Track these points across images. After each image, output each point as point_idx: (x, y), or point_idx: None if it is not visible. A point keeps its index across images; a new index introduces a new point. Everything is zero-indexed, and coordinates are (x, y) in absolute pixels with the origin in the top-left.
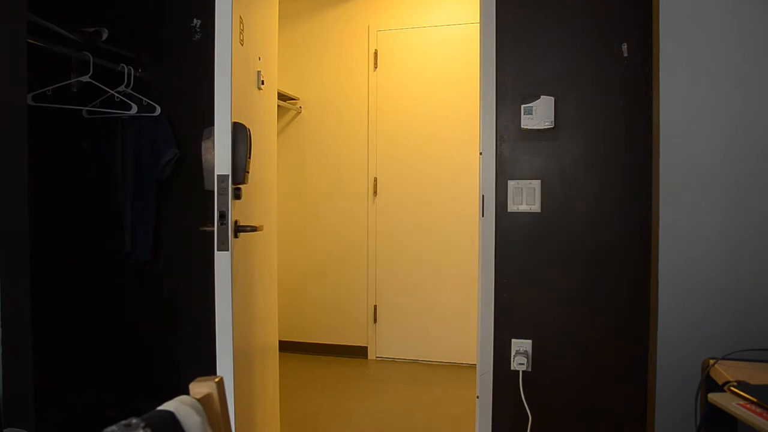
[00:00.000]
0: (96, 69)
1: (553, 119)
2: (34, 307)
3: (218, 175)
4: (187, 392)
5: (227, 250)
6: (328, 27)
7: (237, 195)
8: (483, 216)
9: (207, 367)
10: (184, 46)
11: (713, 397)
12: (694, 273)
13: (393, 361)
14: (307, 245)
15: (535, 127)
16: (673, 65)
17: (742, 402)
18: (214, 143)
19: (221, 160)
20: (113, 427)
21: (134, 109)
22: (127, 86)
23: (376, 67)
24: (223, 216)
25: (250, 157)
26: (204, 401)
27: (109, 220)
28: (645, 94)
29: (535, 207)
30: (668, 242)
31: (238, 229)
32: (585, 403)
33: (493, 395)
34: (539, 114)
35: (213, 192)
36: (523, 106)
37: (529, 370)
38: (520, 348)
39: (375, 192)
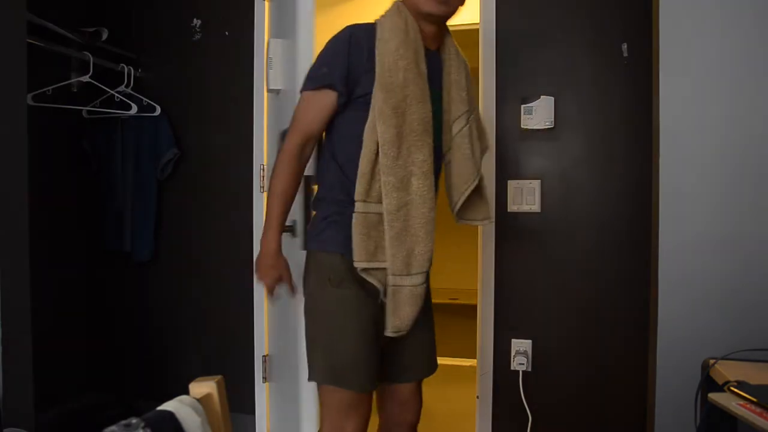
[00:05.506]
0: (96, 69)
1: (553, 119)
2: (34, 307)
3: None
4: (187, 392)
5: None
6: (328, 27)
7: None
8: None
9: (207, 367)
10: (184, 46)
11: (713, 397)
12: (694, 273)
13: None
14: None
15: (535, 127)
16: (673, 65)
17: (742, 402)
18: None
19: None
20: (113, 427)
21: (134, 109)
22: (127, 86)
23: None
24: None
25: None
26: (204, 401)
27: (109, 220)
28: (645, 94)
29: (535, 207)
30: (668, 242)
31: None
32: (585, 403)
33: (493, 395)
34: (539, 114)
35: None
36: (523, 106)
37: (529, 370)
38: (520, 348)
39: None
